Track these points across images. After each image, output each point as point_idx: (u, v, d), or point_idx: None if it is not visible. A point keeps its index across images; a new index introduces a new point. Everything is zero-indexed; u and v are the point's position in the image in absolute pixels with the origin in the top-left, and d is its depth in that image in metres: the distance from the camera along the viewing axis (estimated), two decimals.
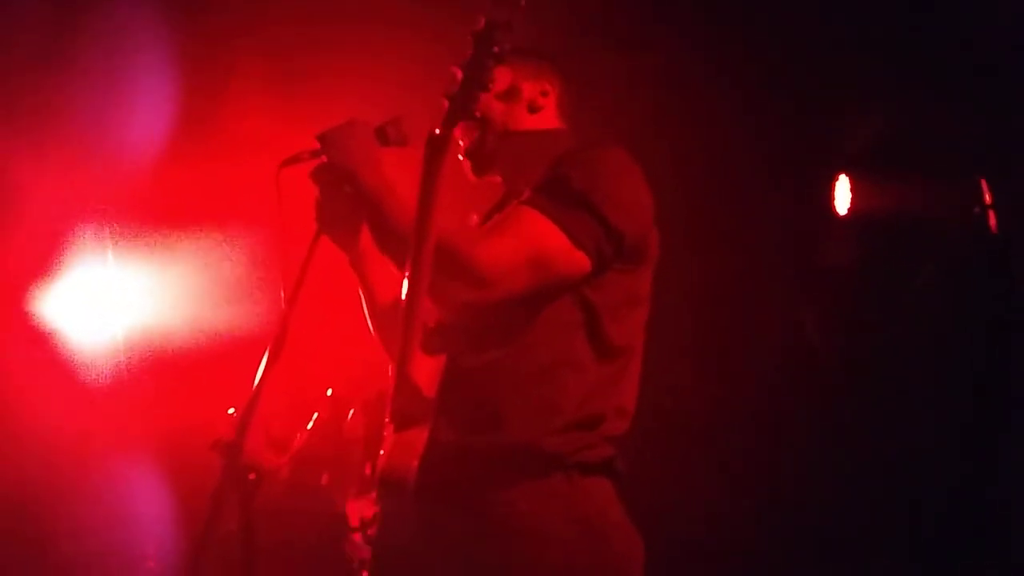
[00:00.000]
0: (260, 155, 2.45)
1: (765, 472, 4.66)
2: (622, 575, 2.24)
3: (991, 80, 4.28)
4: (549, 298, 2.24)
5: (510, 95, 2.45)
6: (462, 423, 2.23)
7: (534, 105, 2.47)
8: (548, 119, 2.50)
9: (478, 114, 2.03)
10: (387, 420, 2.24)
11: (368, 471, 2.62)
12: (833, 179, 4.75)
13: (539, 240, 2.19)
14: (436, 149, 2.00)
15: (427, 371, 2.30)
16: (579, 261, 2.22)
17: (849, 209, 4.72)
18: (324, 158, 2.28)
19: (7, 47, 4.63)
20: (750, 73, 4.63)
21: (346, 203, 2.30)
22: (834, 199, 4.74)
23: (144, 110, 4.75)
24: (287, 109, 4.42)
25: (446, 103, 2.05)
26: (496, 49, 1.96)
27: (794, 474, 4.67)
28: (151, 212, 4.89)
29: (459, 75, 2.03)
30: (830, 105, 4.70)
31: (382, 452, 2.25)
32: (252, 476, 2.05)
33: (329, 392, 4.39)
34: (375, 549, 2.47)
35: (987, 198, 3.97)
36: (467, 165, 2.49)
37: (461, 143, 2.46)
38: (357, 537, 3.30)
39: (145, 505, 4.73)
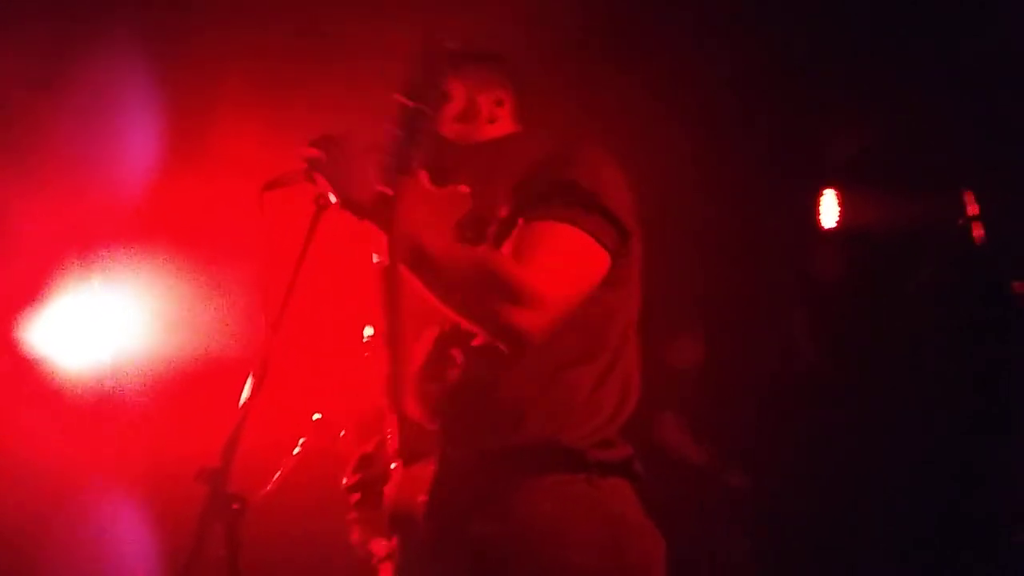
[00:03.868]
0: (248, 181, 2.43)
1: (762, 478, 4.67)
2: (645, 573, 2.25)
3: (979, 92, 4.31)
4: None
5: (468, 114, 2.45)
6: (475, 431, 2.24)
7: (492, 117, 2.47)
8: (505, 126, 2.49)
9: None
10: (396, 457, 2.27)
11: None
12: (824, 191, 4.76)
13: (580, 252, 2.20)
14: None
15: (426, 399, 2.30)
16: (605, 263, 2.24)
17: (839, 221, 4.73)
18: (306, 182, 2.25)
19: None
20: (740, 89, 4.64)
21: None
22: (824, 211, 4.75)
23: (132, 136, 4.74)
24: (275, 135, 4.41)
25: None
26: (418, 139, 1.99)
27: (789, 480, 4.67)
28: (138, 238, 4.87)
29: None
30: (822, 118, 4.72)
31: (389, 488, 2.29)
32: (236, 505, 2.02)
33: (316, 417, 4.36)
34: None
35: (972, 209, 3.98)
36: (425, 176, 2.46)
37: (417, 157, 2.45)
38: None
39: (132, 533, 4.69)
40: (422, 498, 2.19)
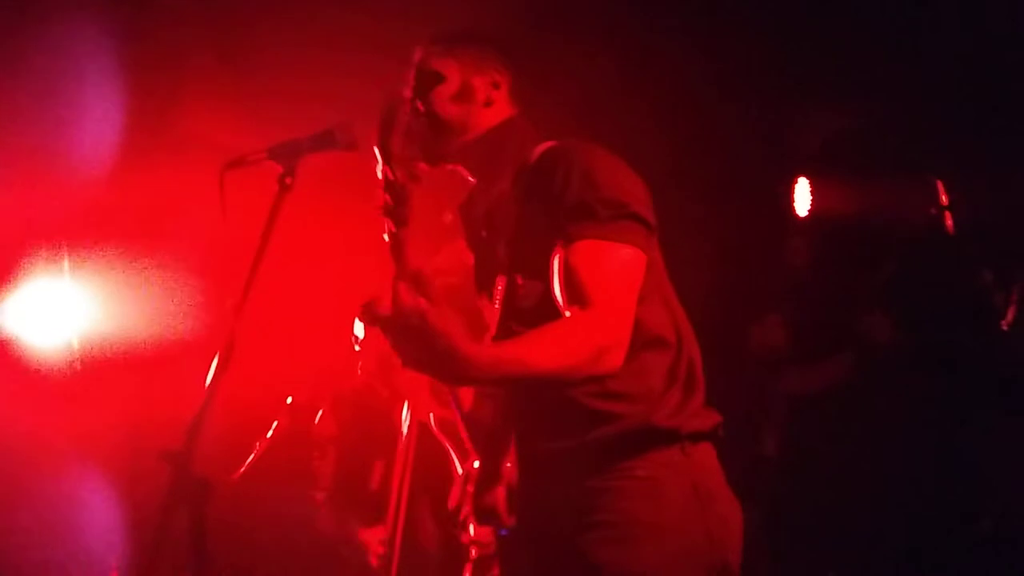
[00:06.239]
0: (211, 162, 2.41)
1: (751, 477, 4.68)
2: (724, 537, 2.31)
3: (958, 81, 4.32)
4: None
5: (464, 95, 2.42)
6: (558, 429, 2.30)
7: (489, 100, 2.43)
8: (503, 109, 2.45)
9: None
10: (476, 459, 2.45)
11: (452, 504, 2.79)
12: (799, 182, 4.76)
13: (627, 264, 2.20)
14: None
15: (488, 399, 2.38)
16: (644, 264, 2.25)
17: (819, 212, 4.72)
18: (268, 160, 2.22)
19: None
20: (717, 81, 4.63)
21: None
22: (797, 202, 4.75)
23: (96, 120, 4.70)
24: (240, 119, 4.39)
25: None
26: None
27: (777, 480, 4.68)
28: (104, 222, 4.84)
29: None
30: (802, 109, 4.72)
31: (470, 489, 2.50)
32: (201, 488, 2.01)
33: (289, 400, 4.37)
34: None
35: (943, 199, 4.00)
36: (424, 168, 2.44)
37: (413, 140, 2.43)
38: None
39: (101, 514, 4.69)
40: (502, 494, 2.42)
